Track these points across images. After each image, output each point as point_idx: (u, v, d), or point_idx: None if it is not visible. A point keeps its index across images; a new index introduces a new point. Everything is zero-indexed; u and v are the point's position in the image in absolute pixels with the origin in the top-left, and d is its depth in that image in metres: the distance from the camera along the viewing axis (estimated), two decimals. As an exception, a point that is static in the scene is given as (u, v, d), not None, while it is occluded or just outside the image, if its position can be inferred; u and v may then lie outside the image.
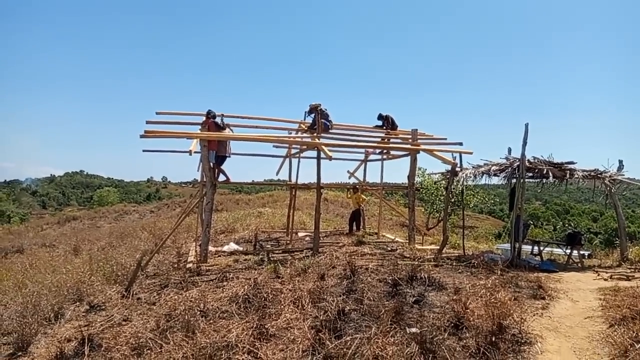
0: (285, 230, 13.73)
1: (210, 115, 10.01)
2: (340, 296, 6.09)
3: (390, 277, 6.72)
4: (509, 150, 9.58)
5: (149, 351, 4.80)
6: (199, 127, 9.97)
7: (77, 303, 6.68)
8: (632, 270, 8.11)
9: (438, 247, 9.56)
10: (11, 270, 10.03)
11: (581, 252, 9.38)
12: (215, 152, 9.91)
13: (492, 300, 5.42)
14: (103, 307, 6.54)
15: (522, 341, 4.77)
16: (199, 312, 5.70)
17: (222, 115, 10.26)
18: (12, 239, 21.43)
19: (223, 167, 10.43)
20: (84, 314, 6.33)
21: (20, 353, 5.12)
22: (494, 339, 4.66)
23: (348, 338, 4.68)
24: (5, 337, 5.52)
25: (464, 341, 4.78)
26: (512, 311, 5.22)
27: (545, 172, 8.74)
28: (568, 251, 9.26)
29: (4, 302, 6.68)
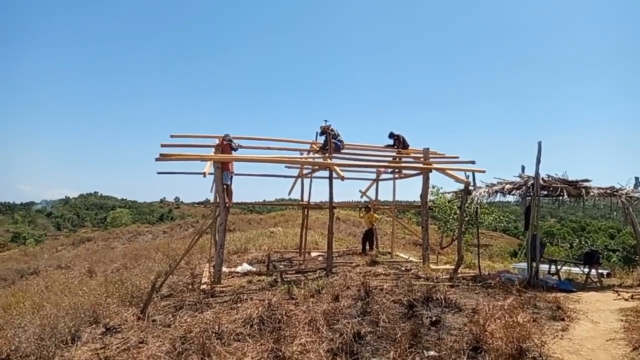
0: (297, 250, 13.72)
1: (226, 138, 10.19)
2: (355, 318, 6.03)
3: (406, 298, 6.64)
4: (523, 168, 9.55)
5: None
6: (213, 149, 10.12)
7: (94, 325, 6.72)
8: (654, 290, 7.93)
9: (453, 267, 9.46)
10: (27, 292, 10.16)
11: (600, 271, 9.19)
12: (229, 173, 10.05)
13: (511, 322, 5.32)
14: (119, 329, 6.56)
15: (544, 365, 4.67)
16: (213, 335, 5.69)
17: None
18: (27, 261, 21.72)
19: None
20: (100, 336, 6.35)
21: (37, 376, 5.15)
22: (514, 362, 4.56)
23: (365, 362, 4.62)
24: (24, 360, 5.55)
25: (484, 365, 4.69)
26: (531, 333, 5.11)
27: (560, 190, 8.66)
28: (586, 270, 9.09)
29: (22, 324, 6.73)
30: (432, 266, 10.39)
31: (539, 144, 8.57)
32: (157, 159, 8.24)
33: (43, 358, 5.32)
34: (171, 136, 10.42)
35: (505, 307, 5.96)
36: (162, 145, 9.46)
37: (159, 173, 10.91)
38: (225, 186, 9.90)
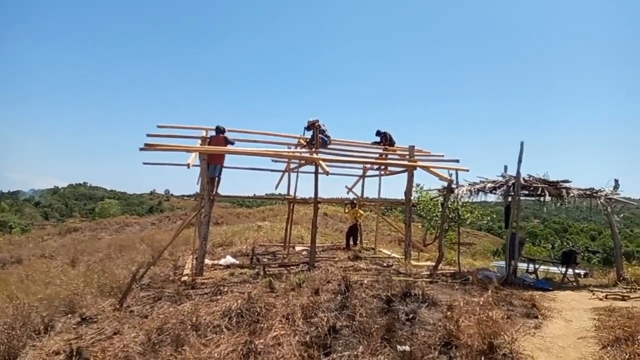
0: (283, 244, 13.73)
1: (219, 130, 10.14)
2: (333, 312, 6.07)
3: (384, 293, 6.69)
4: (505, 168, 9.67)
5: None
6: (199, 140, 10.07)
7: (69, 315, 6.67)
8: (628, 290, 8.07)
9: (434, 264, 9.54)
10: (6, 282, 10.05)
11: (577, 271, 9.33)
12: (220, 166, 10.04)
13: (484, 318, 5.40)
14: (95, 319, 6.52)
15: (513, 361, 4.74)
16: (190, 326, 5.69)
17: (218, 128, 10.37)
18: (11, 250, 21.43)
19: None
20: (74, 326, 6.31)
21: (6, 366, 5.12)
22: (484, 358, 4.63)
23: (335, 355, 4.66)
24: (-7, 349, 5.49)
25: (454, 360, 4.75)
26: (503, 330, 5.19)
27: (540, 190, 8.77)
28: (563, 269, 9.22)
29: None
30: (414, 262, 10.47)
31: (521, 144, 8.67)
32: (141, 149, 8.17)
33: (13, 348, 5.27)
34: (158, 126, 10.34)
35: (480, 304, 6.05)
36: (149, 135, 9.39)
37: (144, 164, 10.84)
38: (212, 179, 9.87)
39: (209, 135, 10.38)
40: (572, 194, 8.82)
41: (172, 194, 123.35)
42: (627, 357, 4.54)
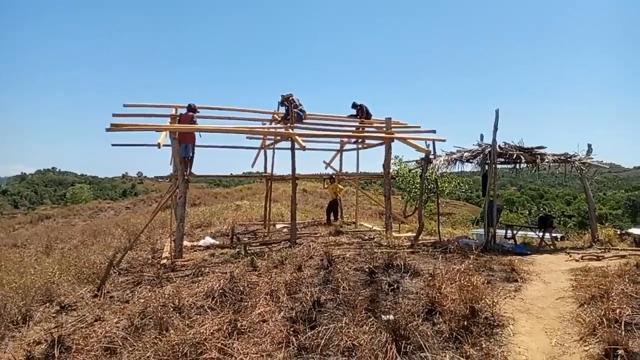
0: (263, 223, 13.65)
1: (191, 108, 9.86)
2: (316, 287, 6.07)
3: (367, 266, 6.72)
4: (481, 137, 9.74)
5: (122, 350, 4.70)
6: (169, 119, 9.74)
7: (47, 304, 6.48)
8: (602, 250, 8.33)
9: (415, 235, 9.63)
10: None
11: (554, 235, 9.58)
12: (192, 145, 9.79)
13: (465, 284, 5.48)
14: (74, 307, 6.37)
15: (495, 324, 4.84)
16: (172, 309, 5.60)
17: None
18: (-20, 241, 20.68)
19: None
20: (54, 315, 6.15)
21: (-15, 358, 4.95)
22: (466, 323, 4.71)
23: (321, 328, 4.66)
24: (-30, 343, 5.31)
25: (438, 326, 4.83)
26: (484, 295, 5.28)
27: (516, 157, 8.88)
28: (540, 234, 9.46)
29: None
30: (395, 234, 10.56)
31: (497, 111, 8.70)
32: (107, 130, 7.83)
33: (-9, 339, 5.11)
34: (124, 105, 9.90)
35: (461, 271, 6.13)
36: (114, 115, 9.02)
37: (113, 145, 10.49)
38: (186, 158, 9.62)
39: (178, 113, 10.04)
40: (547, 160, 8.95)
41: (145, 176, 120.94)
42: (602, 313, 4.68)
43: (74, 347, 4.97)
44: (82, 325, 5.64)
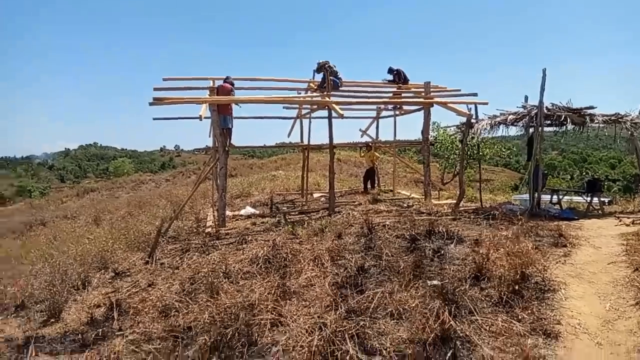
0: (300, 192, 13.77)
1: (228, 81, 9.89)
2: (358, 253, 6.12)
3: (408, 233, 6.70)
4: (526, 98, 9.27)
5: (176, 313, 4.92)
6: (207, 92, 9.83)
7: (102, 271, 6.84)
8: (655, 214, 7.99)
9: (455, 202, 9.48)
10: (37, 242, 10.31)
11: (601, 199, 9.22)
12: (230, 116, 9.87)
13: (514, 249, 5.39)
14: (128, 273, 6.69)
15: (546, 288, 4.77)
16: (221, 274, 5.79)
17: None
18: (34, 213, 21.94)
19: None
20: (109, 280, 6.49)
21: (53, 320, 5.29)
22: (517, 287, 4.65)
23: (370, 292, 4.72)
24: (38, 305, 5.69)
25: (486, 291, 4.79)
26: (534, 259, 5.19)
27: (563, 118, 8.47)
28: (588, 199, 9.11)
29: (34, 272, 6.86)
30: (434, 202, 10.45)
31: (544, 71, 8.28)
32: (150, 104, 8.02)
33: (56, 303, 5.44)
34: (164, 79, 10.09)
35: (508, 236, 6.03)
36: (155, 89, 9.17)
37: (154, 119, 10.77)
38: (225, 130, 9.71)
39: (216, 85, 10.10)
40: (596, 121, 8.50)
41: (182, 149, 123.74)
42: (659, 278, 4.52)
43: (131, 310, 5.25)
44: (137, 290, 5.93)
